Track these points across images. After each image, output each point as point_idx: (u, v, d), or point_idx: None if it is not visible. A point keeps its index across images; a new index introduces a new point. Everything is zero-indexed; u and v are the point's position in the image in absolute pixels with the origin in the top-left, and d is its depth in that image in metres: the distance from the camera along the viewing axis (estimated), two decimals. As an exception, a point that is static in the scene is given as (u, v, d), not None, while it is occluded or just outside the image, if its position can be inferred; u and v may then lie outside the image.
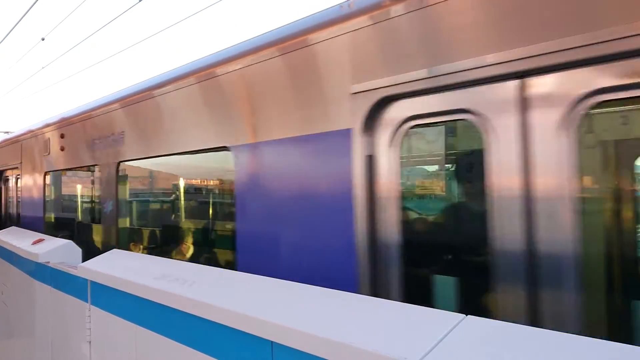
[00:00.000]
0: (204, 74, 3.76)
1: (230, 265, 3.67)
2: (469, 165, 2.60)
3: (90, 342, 3.77)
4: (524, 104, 2.14)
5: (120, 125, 4.84)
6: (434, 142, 2.66)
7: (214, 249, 4.69)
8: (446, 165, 2.78)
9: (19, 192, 8.48)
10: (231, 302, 2.47)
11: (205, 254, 4.71)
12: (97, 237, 5.58)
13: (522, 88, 2.14)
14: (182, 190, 5.24)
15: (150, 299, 2.98)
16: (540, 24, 2.05)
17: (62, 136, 6.26)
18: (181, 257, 4.70)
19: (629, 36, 1.82)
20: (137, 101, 4.57)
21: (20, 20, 11.70)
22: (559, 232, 2.05)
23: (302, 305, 2.36)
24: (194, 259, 4.54)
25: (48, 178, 7.15)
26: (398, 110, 2.56)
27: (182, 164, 4.77)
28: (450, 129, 2.62)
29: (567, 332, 1.75)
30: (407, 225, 2.67)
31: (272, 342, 2.12)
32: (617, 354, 1.53)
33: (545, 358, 1.56)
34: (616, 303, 2.27)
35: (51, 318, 4.64)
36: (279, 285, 2.72)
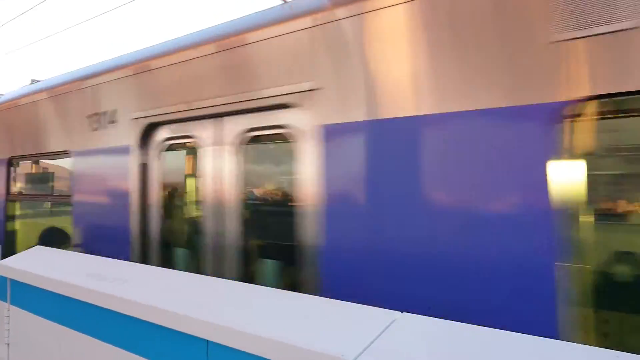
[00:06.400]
0: None
1: None
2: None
3: (8, 344, 3.51)
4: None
5: None
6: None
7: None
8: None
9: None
10: (164, 300, 2.39)
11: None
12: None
13: None
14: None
15: (77, 298, 2.82)
16: None
17: None
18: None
19: None
20: None
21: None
22: None
23: (238, 303, 2.32)
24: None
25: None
26: None
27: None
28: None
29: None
30: None
31: (207, 341, 2.07)
32: (550, 349, 1.62)
33: (479, 354, 1.62)
34: None
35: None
36: (214, 282, 2.66)
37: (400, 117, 2.45)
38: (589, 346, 1.62)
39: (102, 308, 2.65)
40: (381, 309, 2.09)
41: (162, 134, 3.93)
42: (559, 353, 1.58)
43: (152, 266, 3.58)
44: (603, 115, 2.01)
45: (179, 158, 4.24)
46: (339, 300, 2.25)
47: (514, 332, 1.75)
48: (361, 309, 2.11)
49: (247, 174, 3.47)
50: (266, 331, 1.88)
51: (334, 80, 2.78)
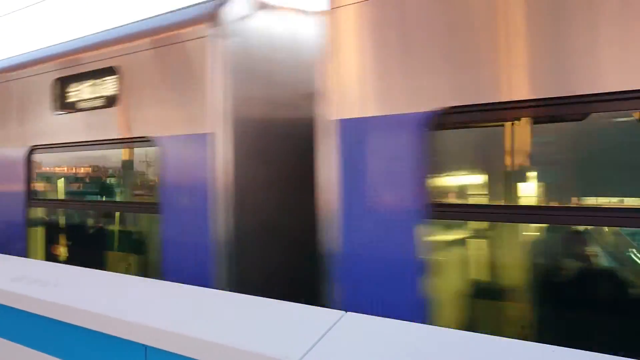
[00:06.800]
0: None
1: None
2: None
3: None
4: None
5: None
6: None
7: None
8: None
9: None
10: (100, 304, 2.27)
11: None
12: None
13: None
14: None
15: (4, 303, 2.64)
16: None
17: None
18: None
19: None
20: None
21: None
22: None
23: (177, 306, 2.25)
24: None
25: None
26: None
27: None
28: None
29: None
30: None
31: (145, 346, 1.99)
32: (501, 349, 1.66)
33: (422, 351, 1.64)
34: None
35: None
36: (151, 284, 2.57)
37: None
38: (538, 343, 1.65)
39: (30, 313, 2.49)
40: (325, 308, 2.09)
41: None
42: (509, 353, 1.62)
43: (83, 268, 3.39)
44: None
45: None
46: (282, 301, 2.23)
47: (462, 331, 1.79)
48: (305, 309, 2.10)
49: None
50: (208, 334, 1.83)
51: None
